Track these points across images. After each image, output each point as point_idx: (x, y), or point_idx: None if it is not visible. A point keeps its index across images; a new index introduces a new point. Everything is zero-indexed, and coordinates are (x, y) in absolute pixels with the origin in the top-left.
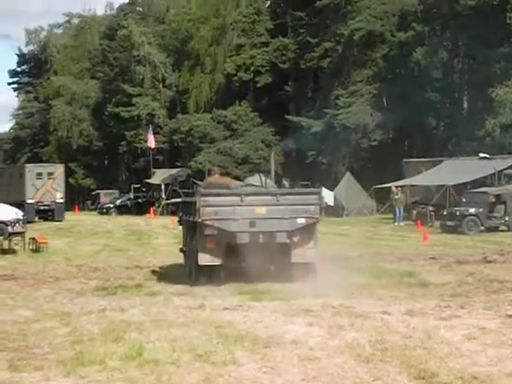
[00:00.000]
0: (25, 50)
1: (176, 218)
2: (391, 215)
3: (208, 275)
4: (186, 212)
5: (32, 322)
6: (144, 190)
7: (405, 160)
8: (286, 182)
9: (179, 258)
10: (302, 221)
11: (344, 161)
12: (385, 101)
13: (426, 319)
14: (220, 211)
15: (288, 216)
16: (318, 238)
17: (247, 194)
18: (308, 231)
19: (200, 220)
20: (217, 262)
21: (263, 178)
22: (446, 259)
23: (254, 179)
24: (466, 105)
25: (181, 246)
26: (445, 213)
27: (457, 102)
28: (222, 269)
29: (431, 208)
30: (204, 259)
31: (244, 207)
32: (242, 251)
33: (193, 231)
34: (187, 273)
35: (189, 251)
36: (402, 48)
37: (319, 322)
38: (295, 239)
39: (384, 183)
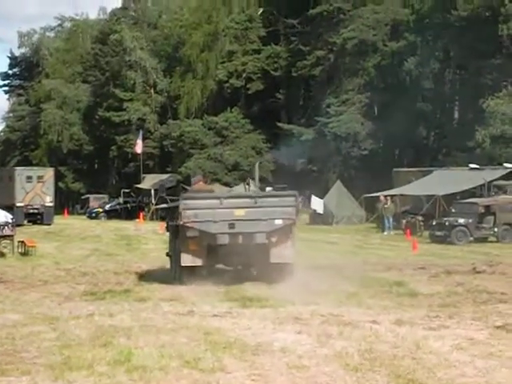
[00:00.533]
0: (16, 53)
1: (165, 224)
2: (378, 224)
3: (191, 276)
4: (171, 217)
5: (20, 325)
6: (134, 194)
7: (395, 169)
8: (269, 189)
9: (168, 264)
10: (279, 222)
11: (334, 169)
12: (376, 110)
13: (414, 329)
14: (200, 214)
15: (266, 218)
16: (295, 239)
17: (226, 197)
18: (285, 232)
19: (182, 222)
20: (198, 262)
21: (247, 187)
22: (435, 269)
23: (240, 188)
24: (456, 115)
25: (167, 251)
26: (434, 223)
27: (448, 113)
28: (204, 269)
29: (421, 218)
30: (186, 260)
31: (223, 210)
32: (223, 252)
33: (176, 234)
34: (172, 274)
35: (173, 254)
36: (394, 57)
37: (308, 330)
38: (273, 240)
39: (374, 192)
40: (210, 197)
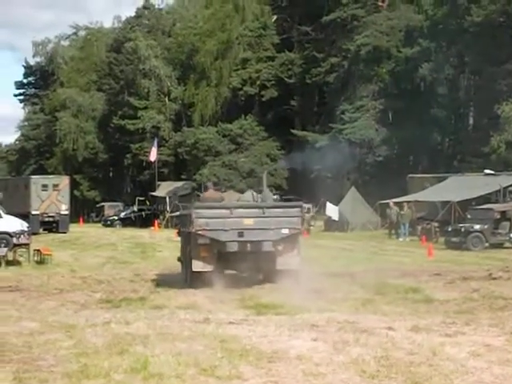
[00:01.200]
0: (31, 62)
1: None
2: (390, 230)
3: (201, 281)
4: (183, 224)
5: (37, 334)
6: (148, 202)
7: (410, 175)
8: (276, 197)
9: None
10: (285, 231)
11: (349, 175)
12: (390, 116)
13: (431, 336)
14: (211, 222)
15: (273, 227)
16: (301, 247)
17: (236, 207)
18: (291, 241)
19: (194, 230)
20: (209, 268)
21: (255, 194)
22: (451, 275)
23: (247, 196)
24: (471, 121)
25: (179, 255)
26: (450, 229)
27: (462, 118)
28: (214, 274)
29: (436, 224)
30: (197, 266)
31: (233, 219)
32: (232, 259)
33: (188, 240)
34: (183, 279)
35: (184, 259)
36: (408, 64)
37: (324, 337)
38: (280, 248)
39: (389, 198)
40: (221, 206)
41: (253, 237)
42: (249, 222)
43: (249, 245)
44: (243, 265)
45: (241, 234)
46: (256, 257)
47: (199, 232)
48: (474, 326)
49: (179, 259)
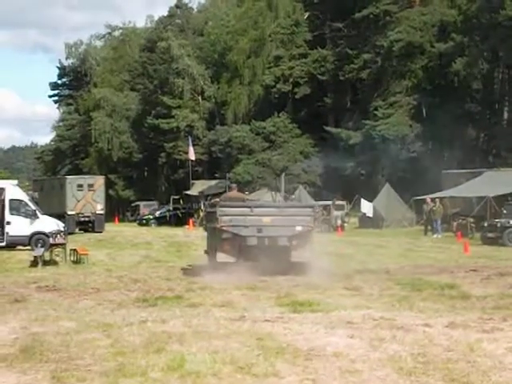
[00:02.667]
0: (65, 63)
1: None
2: (426, 226)
3: (225, 270)
4: (209, 220)
5: (74, 333)
6: (183, 201)
7: (444, 171)
8: (292, 196)
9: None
10: (299, 228)
11: (383, 172)
12: (424, 112)
13: (468, 332)
14: (234, 219)
15: (288, 224)
16: (312, 242)
17: (256, 206)
18: (304, 237)
19: (219, 226)
20: (231, 259)
21: (273, 194)
22: (488, 271)
23: (267, 196)
24: (506, 116)
25: (205, 249)
26: (485, 224)
27: (497, 113)
28: (236, 265)
29: (471, 220)
30: (221, 257)
31: (253, 217)
32: (252, 252)
33: (214, 235)
34: (210, 268)
35: (210, 251)
36: (442, 59)
37: (360, 334)
38: (294, 243)
39: (423, 194)
40: (243, 205)
41: (270, 233)
42: (267, 219)
43: (266, 240)
44: (261, 257)
45: (260, 230)
46: (273, 250)
47: (223, 228)
48: (511, 322)
49: (206, 251)
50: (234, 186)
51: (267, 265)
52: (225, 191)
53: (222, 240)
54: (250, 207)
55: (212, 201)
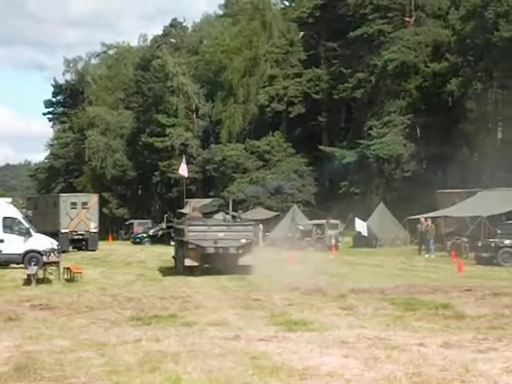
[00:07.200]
0: (60, 80)
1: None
2: (420, 246)
3: (190, 271)
4: (177, 234)
5: (68, 351)
6: (177, 220)
7: (439, 191)
8: (239, 214)
9: (213, 289)
10: (243, 241)
11: (377, 191)
12: (418, 131)
13: (462, 352)
14: (197, 234)
15: (236, 238)
16: (254, 250)
17: (212, 225)
18: (248, 247)
19: (186, 240)
20: (195, 263)
21: (224, 215)
22: (482, 291)
23: (218, 216)
24: (499, 135)
25: (173, 255)
26: (479, 244)
27: (491, 133)
28: (199, 268)
29: (466, 239)
30: (188, 262)
31: (211, 232)
32: (210, 258)
33: (182, 245)
34: (177, 270)
35: (178, 257)
36: (436, 79)
37: (355, 353)
38: (240, 251)
39: (418, 214)
40: (203, 224)
41: (223, 244)
42: (221, 234)
43: (220, 249)
44: (217, 262)
45: (215, 242)
46: (225, 257)
47: (189, 240)
48: (506, 342)
49: (173, 257)
50: (195, 208)
51: (221, 267)
52: (217, 210)
53: (188, 249)
54: (208, 225)
55: (179, 221)
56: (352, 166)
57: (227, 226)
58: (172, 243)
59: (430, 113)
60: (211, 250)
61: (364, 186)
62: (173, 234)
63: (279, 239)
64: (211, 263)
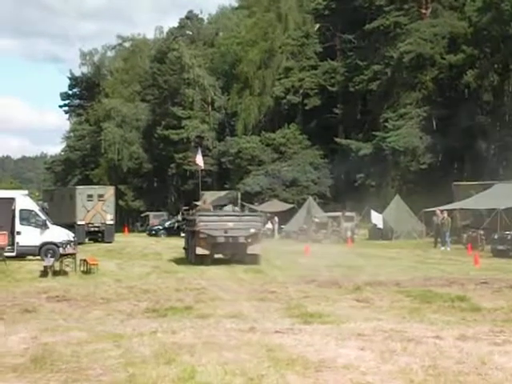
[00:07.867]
0: (77, 73)
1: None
2: (436, 238)
3: (201, 260)
4: (188, 225)
5: (85, 343)
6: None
7: (455, 183)
8: (248, 206)
9: (229, 281)
10: (252, 230)
11: (393, 183)
12: (434, 124)
13: (479, 344)
14: (208, 224)
15: (245, 227)
16: (262, 240)
17: (223, 215)
18: (256, 236)
19: (197, 229)
20: (206, 252)
21: (232, 207)
22: (498, 284)
23: (228, 208)
24: None
25: (183, 246)
26: (496, 237)
27: (507, 125)
28: (209, 256)
29: (482, 232)
30: (199, 251)
31: (221, 222)
32: (220, 247)
33: (192, 235)
34: (189, 260)
35: (190, 247)
36: (452, 71)
37: (371, 346)
38: (249, 240)
39: (433, 206)
40: (214, 214)
41: (232, 233)
42: (230, 224)
43: (230, 238)
44: (227, 250)
45: (225, 232)
46: (234, 245)
47: (201, 230)
48: None
49: (184, 248)
50: (205, 199)
51: (231, 255)
52: (230, 202)
53: (200, 239)
54: (218, 215)
55: (190, 212)
56: (368, 159)
57: (237, 216)
58: (182, 235)
59: (446, 105)
60: (221, 239)
61: (380, 178)
62: (183, 226)
63: (295, 231)
64: (221, 252)
